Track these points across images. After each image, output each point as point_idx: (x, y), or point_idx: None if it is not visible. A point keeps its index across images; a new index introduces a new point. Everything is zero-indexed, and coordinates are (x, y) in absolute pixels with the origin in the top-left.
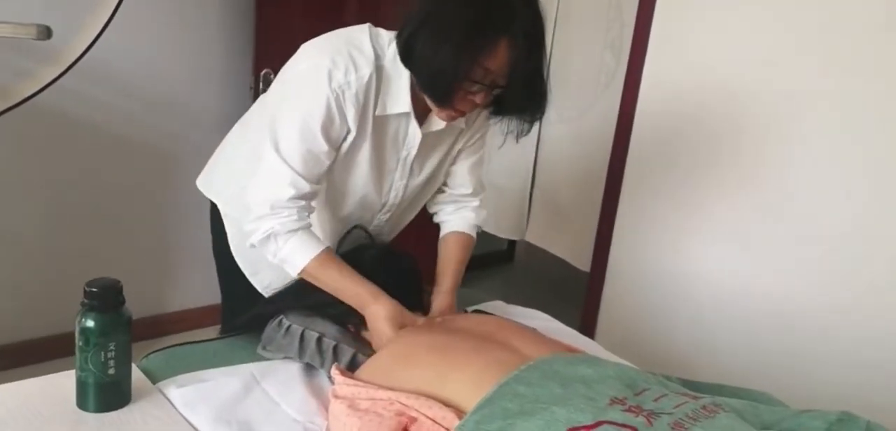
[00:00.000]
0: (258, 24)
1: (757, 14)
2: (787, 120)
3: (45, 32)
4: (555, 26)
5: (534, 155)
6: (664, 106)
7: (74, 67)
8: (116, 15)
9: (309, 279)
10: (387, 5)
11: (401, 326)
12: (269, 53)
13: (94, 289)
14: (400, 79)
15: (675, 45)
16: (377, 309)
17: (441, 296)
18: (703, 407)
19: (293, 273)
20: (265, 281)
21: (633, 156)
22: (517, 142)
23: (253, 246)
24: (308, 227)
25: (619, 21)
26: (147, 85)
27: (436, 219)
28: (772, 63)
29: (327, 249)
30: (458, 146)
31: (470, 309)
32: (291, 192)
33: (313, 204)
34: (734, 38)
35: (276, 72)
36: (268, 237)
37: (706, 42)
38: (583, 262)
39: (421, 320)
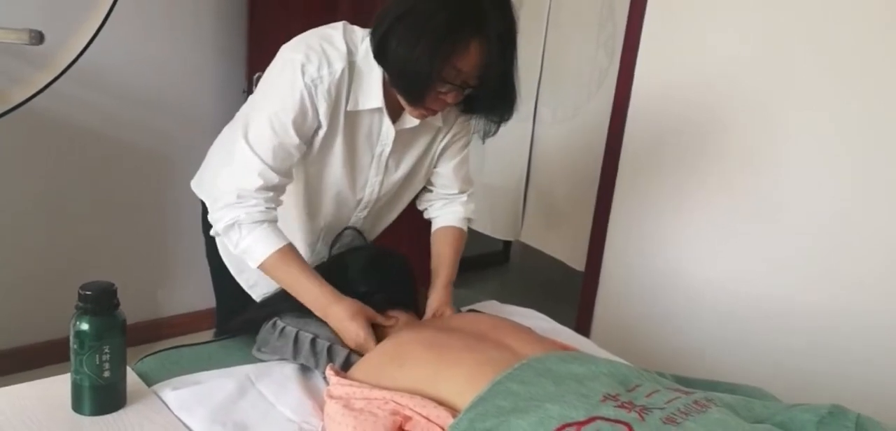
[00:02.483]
0: (251, 29)
1: (747, 13)
2: (779, 118)
3: (38, 37)
4: (547, 26)
5: (528, 155)
6: (657, 105)
7: (67, 72)
8: (109, 19)
9: (267, 273)
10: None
11: (368, 322)
12: (261, 57)
13: (89, 292)
14: (372, 75)
15: (666, 44)
16: (339, 309)
17: (436, 292)
18: (695, 402)
19: (252, 264)
20: (251, 280)
21: (626, 155)
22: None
23: (217, 234)
24: (274, 221)
25: (611, 21)
26: (141, 89)
27: (426, 216)
28: (762, 62)
29: (290, 245)
30: (438, 145)
31: (464, 308)
32: (259, 182)
33: (281, 198)
34: (725, 38)
35: None
36: (232, 225)
37: (697, 41)
38: (577, 262)
39: (381, 318)
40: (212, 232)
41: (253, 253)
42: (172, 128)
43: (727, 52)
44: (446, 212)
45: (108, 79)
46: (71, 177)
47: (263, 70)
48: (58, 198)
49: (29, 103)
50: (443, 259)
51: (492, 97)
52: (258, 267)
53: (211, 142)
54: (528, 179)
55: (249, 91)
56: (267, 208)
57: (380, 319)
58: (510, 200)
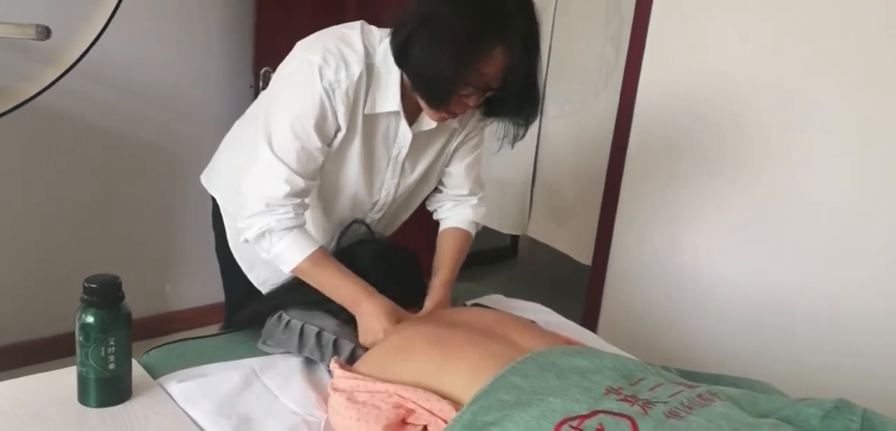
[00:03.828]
0: (258, 23)
1: (756, 9)
2: (787, 112)
3: (45, 32)
4: (554, 20)
5: (535, 149)
6: (664, 99)
7: (75, 67)
8: (116, 14)
9: (302, 276)
10: (388, 3)
11: (397, 322)
12: (269, 51)
13: (94, 285)
14: (390, 78)
15: (673, 38)
16: (372, 306)
17: (435, 290)
18: (699, 396)
19: (286, 269)
20: (262, 277)
21: (633, 149)
22: (513, 147)
23: (247, 241)
24: (303, 226)
25: (618, 15)
26: (148, 84)
27: (435, 217)
28: (771, 56)
29: (321, 248)
30: (452, 146)
31: (469, 302)
32: (286, 189)
33: (307, 201)
34: (732, 32)
35: (275, 69)
36: (263, 234)
37: (704, 35)
38: (584, 256)
39: (415, 316)
40: (242, 239)
41: (286, 259)
42: (179, 123)
43: (734, 47)
44: (454, 214)
45: (115, 75)
46: (78, 173)
47: (271, 65)
48: (65, 194)
49: (35, 99)
50: (444, 259)
51: (516, 99)
52: (291, 271)
53: (218, 138)
54: (535, 174)
55: (256, 85)
56: (296, 215)
57: (410, 319)
58: (517, 195)
